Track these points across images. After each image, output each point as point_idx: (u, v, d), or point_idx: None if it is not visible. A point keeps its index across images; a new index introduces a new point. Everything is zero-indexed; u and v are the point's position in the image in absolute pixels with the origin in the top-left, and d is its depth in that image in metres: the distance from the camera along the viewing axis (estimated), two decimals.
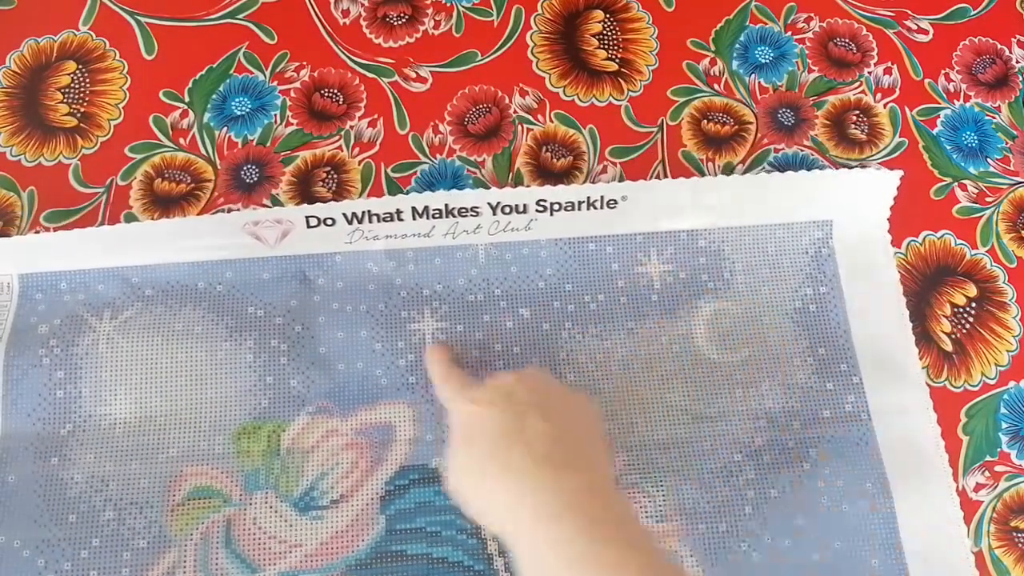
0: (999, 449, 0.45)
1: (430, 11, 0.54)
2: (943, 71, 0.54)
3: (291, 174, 0.49)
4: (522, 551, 0.33)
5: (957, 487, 0.44)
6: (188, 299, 0.45)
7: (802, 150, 0.51)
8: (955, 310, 0.48)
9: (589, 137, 0.51)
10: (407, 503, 0.42)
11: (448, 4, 0.54)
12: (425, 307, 0.45)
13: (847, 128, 0.52)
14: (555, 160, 0.50)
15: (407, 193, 0.49)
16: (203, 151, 0.49)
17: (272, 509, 0.41)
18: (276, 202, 0.48)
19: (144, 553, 0.40)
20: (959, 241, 0.49)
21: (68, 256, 0.45)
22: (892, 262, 0.48)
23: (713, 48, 0.54)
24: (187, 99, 0.51)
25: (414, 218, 0.45)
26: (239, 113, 0.50)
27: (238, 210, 0.47)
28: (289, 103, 0.51)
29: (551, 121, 0.51)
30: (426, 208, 0.45)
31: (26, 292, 0.45)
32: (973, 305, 0.48)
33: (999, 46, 0.55)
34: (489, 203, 0.45)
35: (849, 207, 0.47)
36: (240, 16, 0.53)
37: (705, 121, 0.52)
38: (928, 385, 0.46)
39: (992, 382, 0.47)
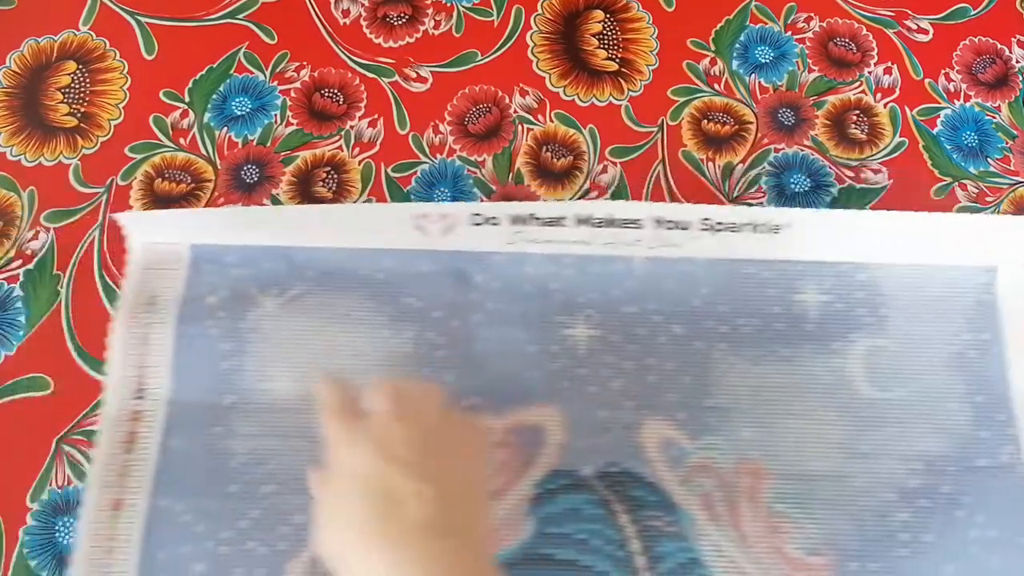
0: None
1: (430, 11, 0.54)
2: (943, 71, 0.54)
3: (291, 174, 0.49)
4: None
5: None
6: (350, 284, 0.45)
7: (802, 150, 0.51)
8: None
9: (589, 137, 0.51)
10: (557, 508, 0.42)
11: (448, 4, 0.54)
12: (580, 314, 0.45)
13: (847, 128, 0.52)
14: (555, 160, 0.50)
15: (409, 194, 0.49)
16: (203, 151, 0.49)
17: None
18: (276, 201, 0.48)
19: (302, 529, 0.40)
20: None
21: (236, 231, 0.45)
22: None
23: (713, 48, 0.54)
24: (187, 99, 0.51)
25: (576, 225, 0.45)
26: (239, 113, 0.50)
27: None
28: (289, 103, 0.51)
29: (551, 121, 0.51)
30: (590, 216, 0.45)
31: (195, 262, 0.45)
32: None
33: (999, 46, 0.55)
34: (653, 217, 0.45)
35: (1015, 254, 0.46)
36: (240, 16, 0.53)
37: (705, 121, 0.52)
38: None
39: None
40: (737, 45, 0.54)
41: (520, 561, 0.40)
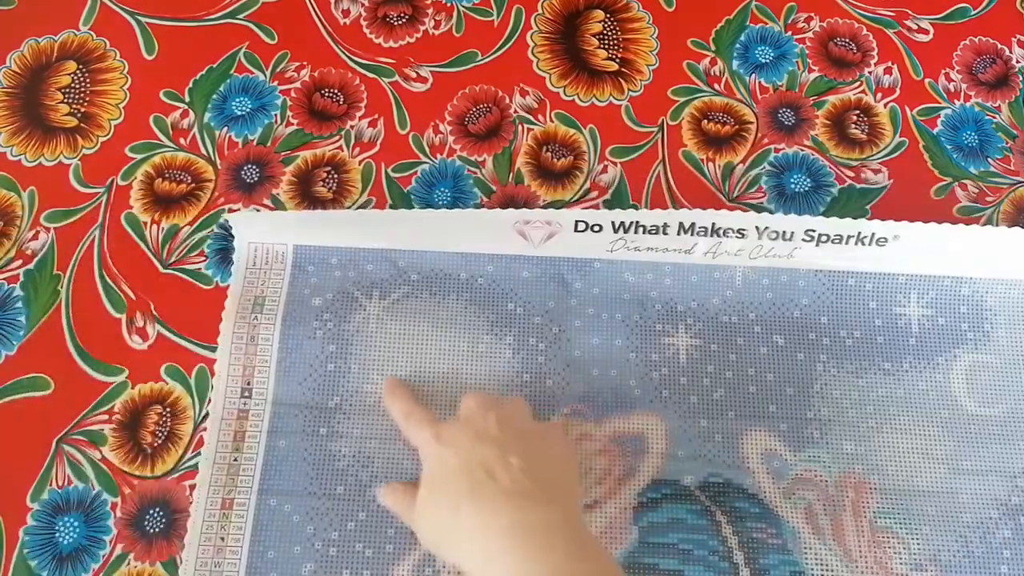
0: None
1: (430, 11, 0.54)
2: (943, 71, 0.54)
3: (291, 174, 0.49)
4: None
5: None
6: (452, 288, 0.46)
7: (802, 150, 0.51)
8: None
9: (589, 137, 0.51)
10: (660, 517, 0.42)
11: (448, 4, 0.54)
12: (680, 323, 0.45)
13: (847, 128, 0.52)
14: (555, 160, 0.50)
15: (409, 194, 0.49)
16: (203, 151, 0.49)
17: None
18: (276, 201, 0.48)
19: (407, 532, 0.41)
20: None
21: (338, 233, 0.46)
22: None
23: (713, 48, 0.54)
24: (187, 99, 0.51)
25: (679, 233, 0.45)
26: (239, 113, 0.50)
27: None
28: (289, 103, 0.51)
29: (551, 121, 0.51)
30: (692, 225, 0.45)
31: (299, 263, 0.46)
32: None
33: (999, 46, 0.55)
34: (757, 227, 0.45)
35: None
36: (240, 16, 0.53)
37: (705, 121, 0.52)
38: None
39: None
40: (737, 45, 0.54)
41: (625, 569, 0.40)
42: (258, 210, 0.48)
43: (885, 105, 0.53)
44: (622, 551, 0.41)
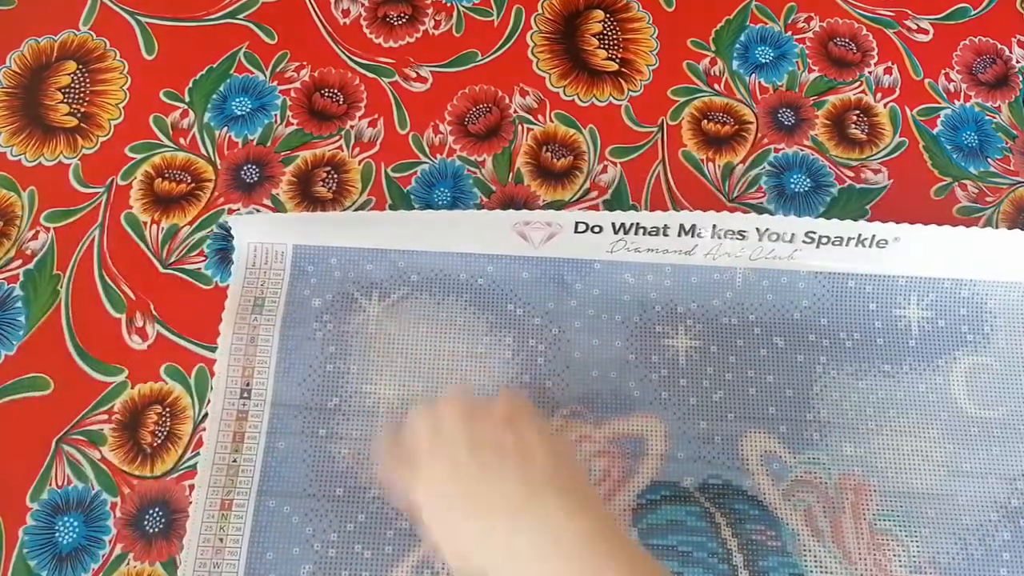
0: None
1: (430, 11, 0.54)
2: (943, 71, 0.54)
3: (291, 174, 0.49)
4: None
5: None
6: (451, 289, 0.46)
7: (802, 150, 0.51)
8: None
9: (589, 137, 0.51)
10: (659, 519, 0.42)
11: (448, 4, 0.54)
12: (680, 324, 0.45)
13: (847, 128, 0.52)
14: (555, 160, 0.50)
15: (409, 194, 0.49)
16: (203, 151, 0.49)
17: None
18: (276, 201, 0.48)
19: (406, 534, 0.41)
20: None
21: (338, 233, 0.46)
22: None
23: (713, 48, 0.54)
24: (187, 99, 0.51)
25: (679, 235, 0.45)
26: (239, 113, 0.50)
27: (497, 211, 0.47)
28: (289, 103, 0.51)
29: (551, 121, 0.51)
30: (693, 226, 0.45)
31: (298, 263, 0.46)
32: None
33: (999, 46, 0.55)
34: (757, 228, 0.45)
35: None
36: (240, 16, 0.53)
37: (705, 121, 0.52)
38: None
39: None
40: (737, 45, 0.54)
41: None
42: (258, 210, 0.48)
43: (885, 105, 0.53)
44: None
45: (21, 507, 0.42)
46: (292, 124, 0.50)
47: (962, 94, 0.53)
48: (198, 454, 0.43)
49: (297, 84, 0.51)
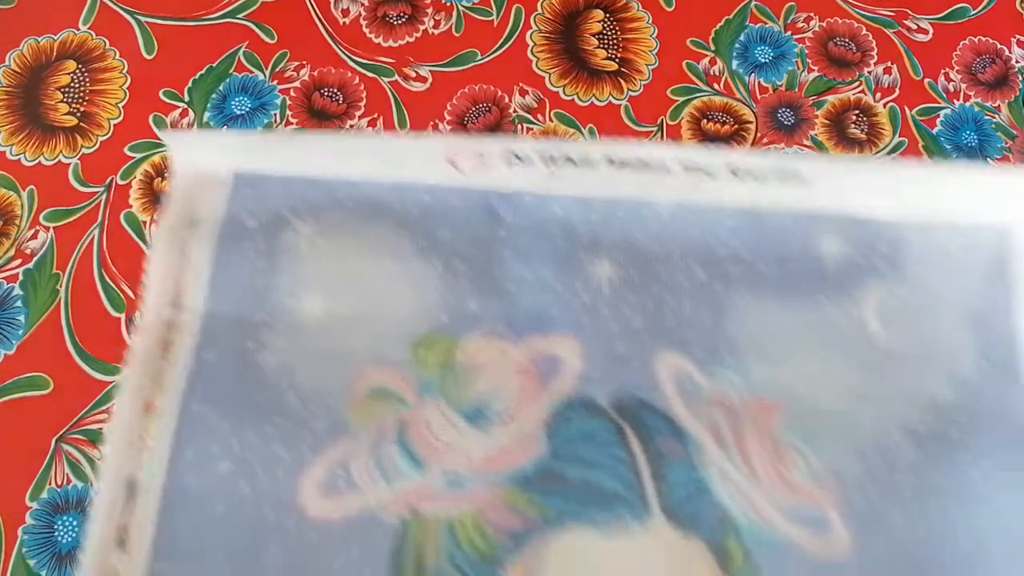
0: None
1: (430, 10, 0.54)
2: (943, 71, 0.54)
3: None
4: None
5: None
6: (385, 216, 0.46)
7: (802, 149, 0.51)
8: None
9: (589, 136, 0.51)
10: (571, 432, 0.42)
11: (448, 3, 0.54)
12: (604, 255, 0.46)
13: (847, 128, 0.52)
14: None
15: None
16: None
17: (443, 415, 0.42)
18: None
19: (322, 435, 0.41)
20: None
21: (278, 160, 0.46)
22: None
23: (713, 48, 0.54)
24: (187, 98, 0.51)
25: (608, 168, 0.45)
26: (239, 112, 0.51)
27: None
28: (289, 102, 0.51)
29: (551, 120, 0.51)
30: (621, 159, 0.45)
31: (238, 188, 0.46)
32: None
33: (999, 46, 0.55)
34: (683, 163, 0.45)
35: None
36: (240, 16, 0.53)
37: (705, 120, 0.52)
38: None
39: None
40: (737, 45, 0.54)
41: (536, 478, 0.41)
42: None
43: (884, 105, 0.53)
44: (532, 461, 0.42)
45: (20, 506, 0.42)
46: (292, 124, 0.51)
47: (962, 94, 0.53)
48: None
49: (297, 84, 0.52)
